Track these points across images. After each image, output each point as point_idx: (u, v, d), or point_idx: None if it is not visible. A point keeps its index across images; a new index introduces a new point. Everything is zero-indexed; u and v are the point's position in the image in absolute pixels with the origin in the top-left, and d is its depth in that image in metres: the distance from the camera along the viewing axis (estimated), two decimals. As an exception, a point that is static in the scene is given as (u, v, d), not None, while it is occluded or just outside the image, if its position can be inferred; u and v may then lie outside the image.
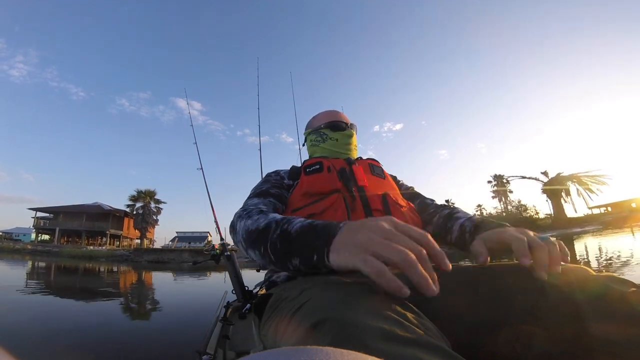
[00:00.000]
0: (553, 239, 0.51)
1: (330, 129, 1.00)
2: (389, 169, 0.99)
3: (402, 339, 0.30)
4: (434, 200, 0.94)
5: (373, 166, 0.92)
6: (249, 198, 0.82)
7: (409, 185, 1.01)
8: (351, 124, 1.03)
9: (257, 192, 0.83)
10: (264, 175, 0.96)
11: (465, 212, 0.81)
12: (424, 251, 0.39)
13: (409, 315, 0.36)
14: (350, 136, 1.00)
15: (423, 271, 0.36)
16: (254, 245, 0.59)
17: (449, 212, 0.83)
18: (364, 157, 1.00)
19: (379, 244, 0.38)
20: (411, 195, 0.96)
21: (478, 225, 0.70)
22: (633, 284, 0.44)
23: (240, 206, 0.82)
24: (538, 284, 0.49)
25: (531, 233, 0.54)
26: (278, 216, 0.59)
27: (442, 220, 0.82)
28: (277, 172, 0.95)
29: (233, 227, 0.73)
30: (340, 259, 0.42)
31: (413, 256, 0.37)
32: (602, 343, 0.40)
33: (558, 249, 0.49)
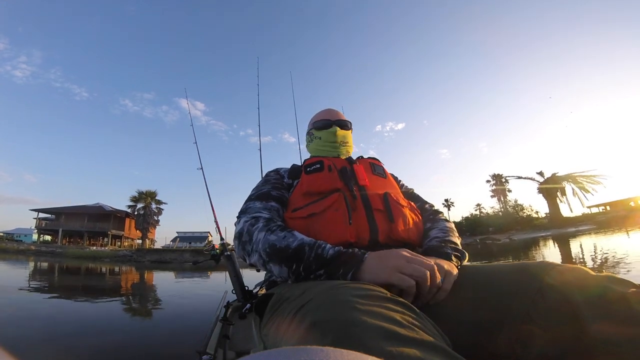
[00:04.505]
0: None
1: (316, 129, 1.00)
2: (390, 168, 0.99)
3: (403, 338, 0.30)
4: (433, 206, 0.93)
5: (374, 165, 0.91)
6: (250, 200, 0.81)
7: (410, 187, 1.00)
8: (340, 121, 1.00)
9: (259, 194, 0.82)
10: (264, 174, 0.96)
11: (440, 229, 0.80)
12: (433, 271, 0.55)
13: (410, 315, 0.37)
14: (334, 133, 0.96)
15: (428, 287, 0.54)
16: (281, 261, 0.63)
17: (429, 225, 0.83)
18: (365, 157, 0.99)
19: (405, 266, 0.55)
20: (411, 196, 0.95)
21: (426, 250, 0.74)
22: (633, 284, 0.44)
23: (241, 206, 0.81)
24: (537, 285, 0.49)
25: (429, 266, 0.57)
26: (306, 239, 0.64)
27: (424, 232, 0.83)
28: (277, 171, 0.93)
29: (248, 235, 0.70)
30: (372, 276, 0.55)
31: (427, 275, 0.54)
32: (602, 343, 0.40)
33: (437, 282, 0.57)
